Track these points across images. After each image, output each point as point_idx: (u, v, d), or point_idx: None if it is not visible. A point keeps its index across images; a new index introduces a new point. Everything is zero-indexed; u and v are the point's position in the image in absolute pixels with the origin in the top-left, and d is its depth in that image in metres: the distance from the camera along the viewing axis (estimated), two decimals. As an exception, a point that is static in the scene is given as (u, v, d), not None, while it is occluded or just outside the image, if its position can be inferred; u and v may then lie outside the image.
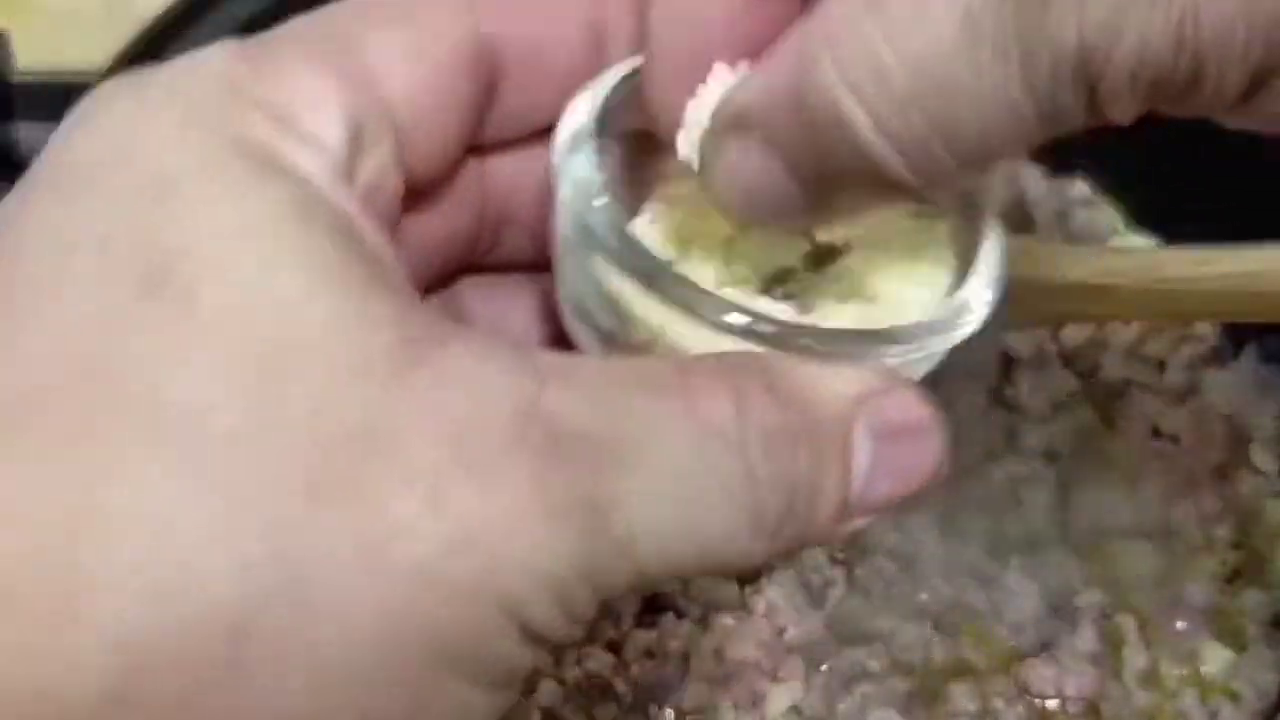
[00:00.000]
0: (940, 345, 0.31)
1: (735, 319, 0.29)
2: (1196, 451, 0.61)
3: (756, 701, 0.54)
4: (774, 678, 0.54)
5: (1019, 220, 0.67)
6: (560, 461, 0.25)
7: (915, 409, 0.30)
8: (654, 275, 0.30)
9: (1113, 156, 0.67)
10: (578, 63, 0.34)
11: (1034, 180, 0.69)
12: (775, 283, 0.34)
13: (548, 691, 0.53)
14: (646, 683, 0.54)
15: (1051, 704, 0.55)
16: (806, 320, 0.32)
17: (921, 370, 0.32)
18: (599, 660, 0.55)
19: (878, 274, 0.33)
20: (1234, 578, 0.59)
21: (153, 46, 0.57)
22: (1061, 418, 0.62)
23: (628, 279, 0.30)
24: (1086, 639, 0.56)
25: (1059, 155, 0.69)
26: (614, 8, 0.34)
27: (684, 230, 0.34)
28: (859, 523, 0.29)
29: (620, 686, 0.55)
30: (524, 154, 0.35)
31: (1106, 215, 0.68)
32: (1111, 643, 0.57)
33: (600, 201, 0.31)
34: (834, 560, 0.58)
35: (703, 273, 0.33)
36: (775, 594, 0.56)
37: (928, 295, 0.33)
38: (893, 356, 0.31)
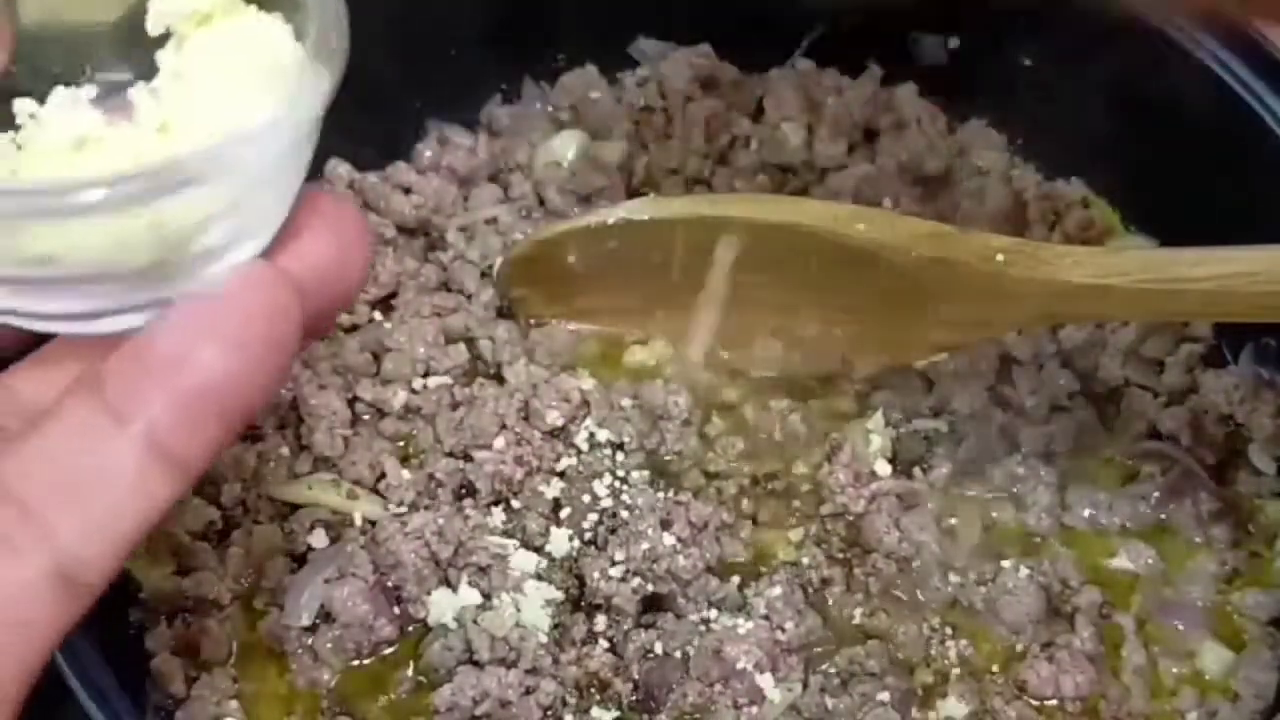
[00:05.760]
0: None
1: None
2: (1195, 451, 0.61)
3: (756, 701, 0.54)
4: (774, 678, 0.54)
5: (1019, 221, 0.68)
6: None
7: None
8: None
9: (1111, 157, 0.67)
10: None
11: (1032, 181, 0.69)
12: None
13: (548, 691, 0.53)
14: (646, 683, 0.54)
15: (1050, 703, 0.55)
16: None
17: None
18: (599, 660, 0.55)
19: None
20: (1233, 577, 0.59)
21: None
22: (1060, 418, 0.62)
23: None
24: (1085, 638, 0.56)
25: (1057, 156, 0.69)
26: None
27: None
28: None
29: (620, 686, 0.55)
30: None
31: (1105, 215, 0.68)
32: (1110, 642, 0.57)
33: None
34: (834, 560, 0.58)
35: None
36: (775, 594, 0.56)
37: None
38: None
